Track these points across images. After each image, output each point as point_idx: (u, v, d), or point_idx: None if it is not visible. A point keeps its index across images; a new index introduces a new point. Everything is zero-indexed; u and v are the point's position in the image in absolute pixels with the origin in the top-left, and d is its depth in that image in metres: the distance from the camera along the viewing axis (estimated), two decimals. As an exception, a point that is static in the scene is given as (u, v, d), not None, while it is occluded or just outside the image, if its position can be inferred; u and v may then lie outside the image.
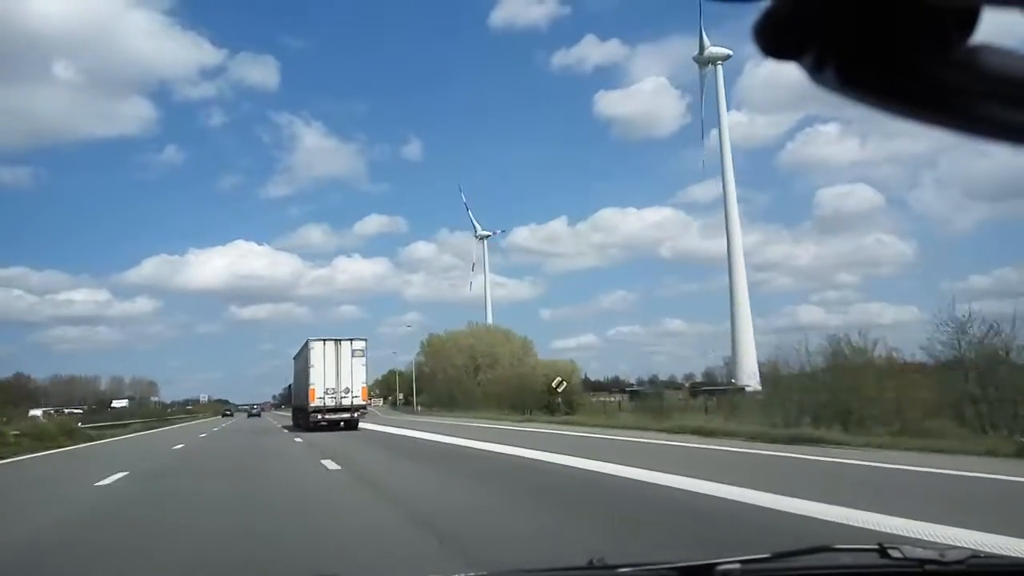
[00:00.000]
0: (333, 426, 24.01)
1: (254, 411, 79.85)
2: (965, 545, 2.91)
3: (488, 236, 76.62)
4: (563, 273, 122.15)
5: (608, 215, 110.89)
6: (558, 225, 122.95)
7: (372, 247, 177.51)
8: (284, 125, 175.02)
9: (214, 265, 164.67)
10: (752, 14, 0.44)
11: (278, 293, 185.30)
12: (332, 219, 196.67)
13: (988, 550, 1.93)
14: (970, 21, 0.43)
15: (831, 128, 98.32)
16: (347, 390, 24.46)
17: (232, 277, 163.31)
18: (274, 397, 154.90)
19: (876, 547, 1.39)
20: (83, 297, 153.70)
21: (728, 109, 59.09)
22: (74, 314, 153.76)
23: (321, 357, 24.54)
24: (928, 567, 1.32)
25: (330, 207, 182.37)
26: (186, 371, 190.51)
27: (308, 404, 24.00)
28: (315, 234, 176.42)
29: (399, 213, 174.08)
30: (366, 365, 25.09)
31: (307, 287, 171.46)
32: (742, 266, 55.79)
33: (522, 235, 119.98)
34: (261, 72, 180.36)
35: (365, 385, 24.89)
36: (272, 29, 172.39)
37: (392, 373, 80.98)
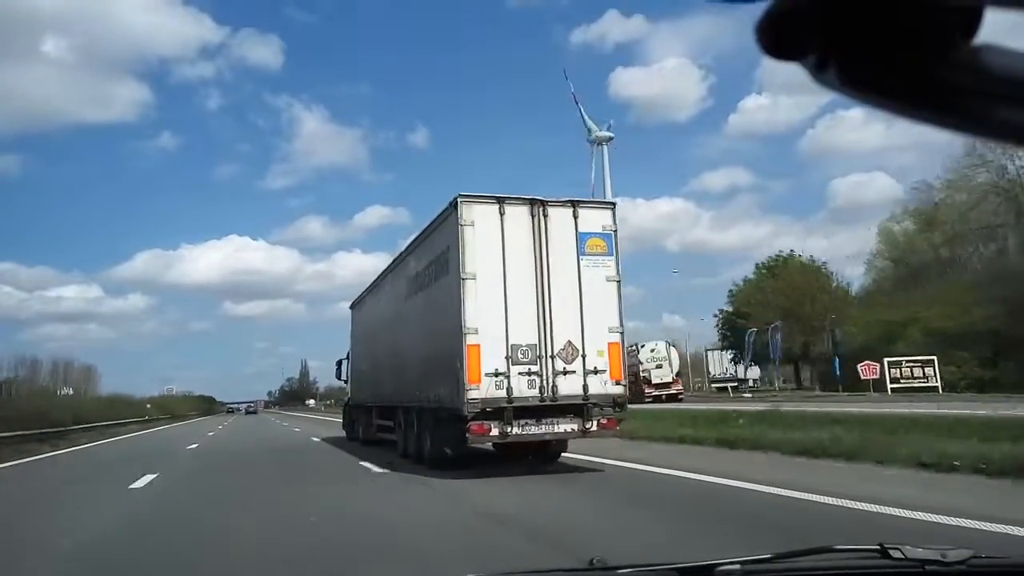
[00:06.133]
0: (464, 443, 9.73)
1: (250, 409, 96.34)
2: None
3: (610, 138, 60.63)
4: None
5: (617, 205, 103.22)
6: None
7: (372, 240, 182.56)
8: (284, 109, 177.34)
9: (209, 260, 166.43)
10: (755, 13, 0.46)
11: (275, 289, 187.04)
12: (332, 211, 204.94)
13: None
14: (972, 21, 0.45)
15: (855, 113, 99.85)
16: (571, 349, 9.41)
17: (228, 272, 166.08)
18: (270, 394, 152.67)
19: (877, 547, 1.51)
20: (74, 293, 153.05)
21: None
22: (64, 311, 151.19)
23: (497, 251, 9.07)
24: (929, 567, 1.44)
25: (330, 198, 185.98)
26: (178, 369, 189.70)
27: (458, 394, 8.88)
28: (314, 226, 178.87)
29: (401, 204, 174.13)
30: (620, 281, 10.30)
31: (304, 282, 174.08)
32: None
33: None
34: (264, 51, 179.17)
35: (618, 339, 9.49)
36: (277, 2, 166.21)
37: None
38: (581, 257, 9.38)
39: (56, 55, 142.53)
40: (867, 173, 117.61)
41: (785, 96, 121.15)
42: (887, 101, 0.48)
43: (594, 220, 9.54)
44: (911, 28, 0.45)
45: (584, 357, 9.20)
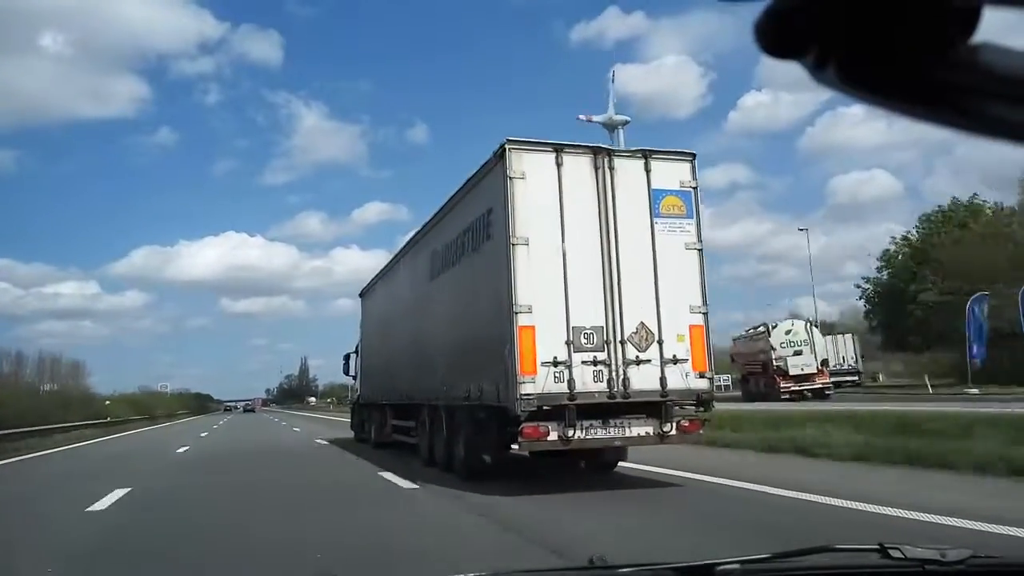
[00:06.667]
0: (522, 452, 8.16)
1: (248, 407, 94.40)
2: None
3: (626, 122, 58.35)
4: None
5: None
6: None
7: (371, 237, 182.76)
8: (283, 105, 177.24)
9: (206, 256, 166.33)
10: (755, 11, 0.46)
11: (273, 285, 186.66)
12: (331, 207, 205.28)
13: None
14: (971, 20, 0.45)
15: (855, 110, 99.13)
16: (644, 332, 7.44)
17: (225, 269, 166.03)
18: (268, 392, 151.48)
19: (877, 547, 1.49)
20: (71, 290, 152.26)
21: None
22: (62, 307, 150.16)
23: (554, 211, 7.36)
24: (929, 567, 1.42)
25: (329, 194, 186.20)
26: (175, 366, 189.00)
27: (506, 388, 7.12)
28: (312, 222, 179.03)
29: (401, 201, 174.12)
30: (702, 249, 8.34)
31: (303, 279, 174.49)
32: None
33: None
34: (264, 47, 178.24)
35: (702, 321, 7.64)
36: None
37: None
38: (655, 219, 7.67)
39: (54, 50, 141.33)
40: (867, 171, 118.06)
41: (785, 93, 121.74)
42: (886, 99, 0.48)
43: (670, 174, 7.82)
44: (910, 26, 0.45)
45: (661, 343, 7.48)
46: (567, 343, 7.21)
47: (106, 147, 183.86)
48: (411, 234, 12.17)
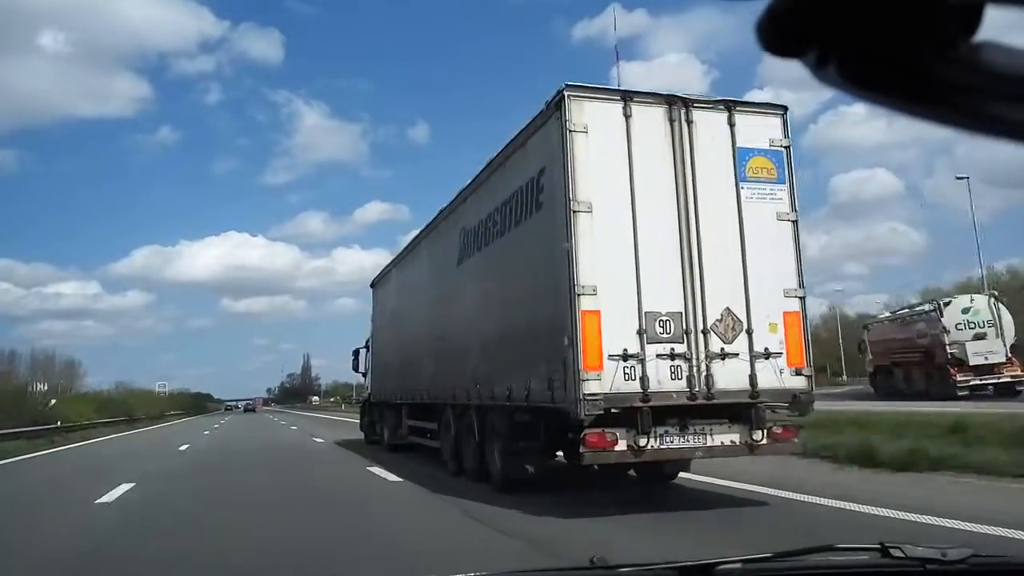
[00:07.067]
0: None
1: (249, 406, 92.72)
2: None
3: None
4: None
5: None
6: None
7: (372, 236, 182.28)
8: (284, 104, 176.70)
9: (207, 256, 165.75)
10: (757, 10, 0.46)
11: (274, 285, 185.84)
12: (332, 206, 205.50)
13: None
14: (973, 19, 0.45)
15: (857, 109, 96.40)
16: (731, 320, 6.11)
17: (226, 269, 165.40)
18: (269, 391, 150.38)
19: (878, 546, 1.48)
20: (72, 290, 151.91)
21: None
22: (63, 307, 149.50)
23: (622, 171, 6.01)
24: (930, 566, 1.41)
25: (330, 193, 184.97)
26: (177, 366, 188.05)
27: (564, 386, 5.81)
28: (314, 222, 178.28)
29: (402, 200, 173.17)
30: (797, 220, 6.67)
31: (304, 279, 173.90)
32: None
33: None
34: (264, 45, 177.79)
35: (799, 306, 6.30)
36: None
37: None
38: (741, 184, 6.38)
39: (53, 49, 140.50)
40: (869, 169, 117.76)
41: (787, 91, 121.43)
42: (887, 98, 0.48)
43: (758, 131, 6.53)
44: (911, 25, 0.45)
45: (750, 333, 6.21)
46: (639, 332, 5.93)
47: (107, 146, 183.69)
48: (418, 228, 10.91)
